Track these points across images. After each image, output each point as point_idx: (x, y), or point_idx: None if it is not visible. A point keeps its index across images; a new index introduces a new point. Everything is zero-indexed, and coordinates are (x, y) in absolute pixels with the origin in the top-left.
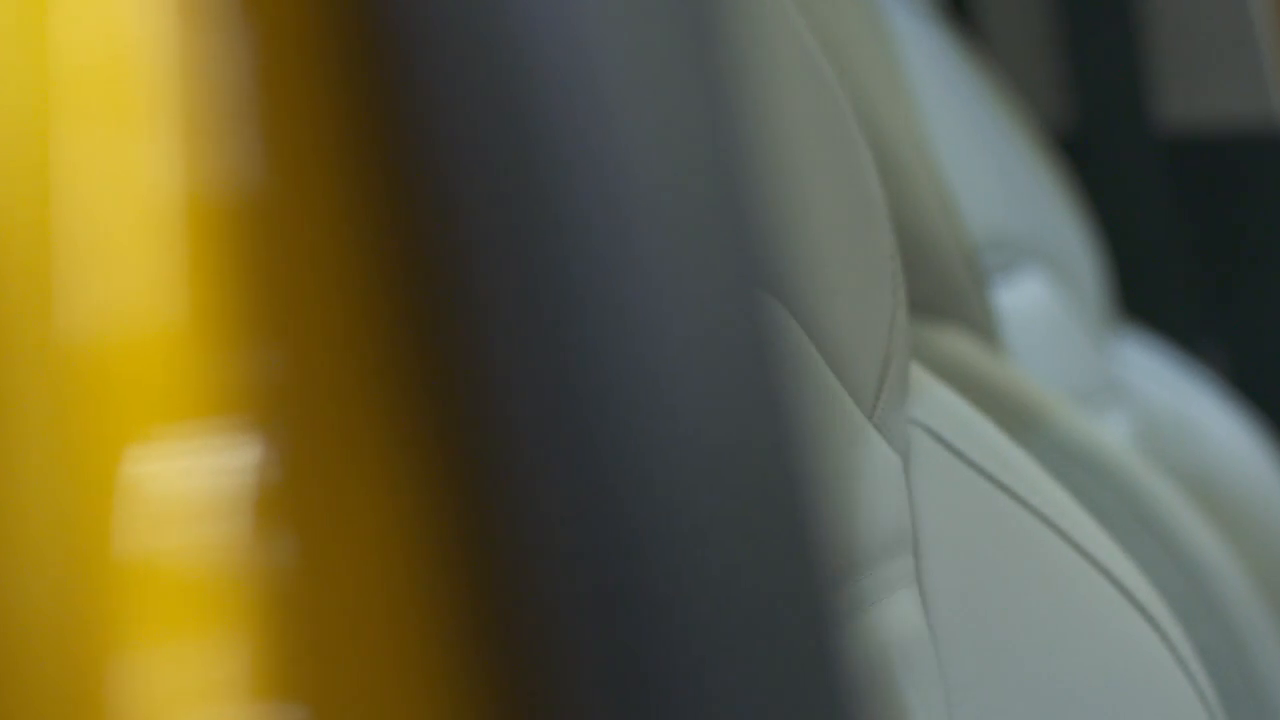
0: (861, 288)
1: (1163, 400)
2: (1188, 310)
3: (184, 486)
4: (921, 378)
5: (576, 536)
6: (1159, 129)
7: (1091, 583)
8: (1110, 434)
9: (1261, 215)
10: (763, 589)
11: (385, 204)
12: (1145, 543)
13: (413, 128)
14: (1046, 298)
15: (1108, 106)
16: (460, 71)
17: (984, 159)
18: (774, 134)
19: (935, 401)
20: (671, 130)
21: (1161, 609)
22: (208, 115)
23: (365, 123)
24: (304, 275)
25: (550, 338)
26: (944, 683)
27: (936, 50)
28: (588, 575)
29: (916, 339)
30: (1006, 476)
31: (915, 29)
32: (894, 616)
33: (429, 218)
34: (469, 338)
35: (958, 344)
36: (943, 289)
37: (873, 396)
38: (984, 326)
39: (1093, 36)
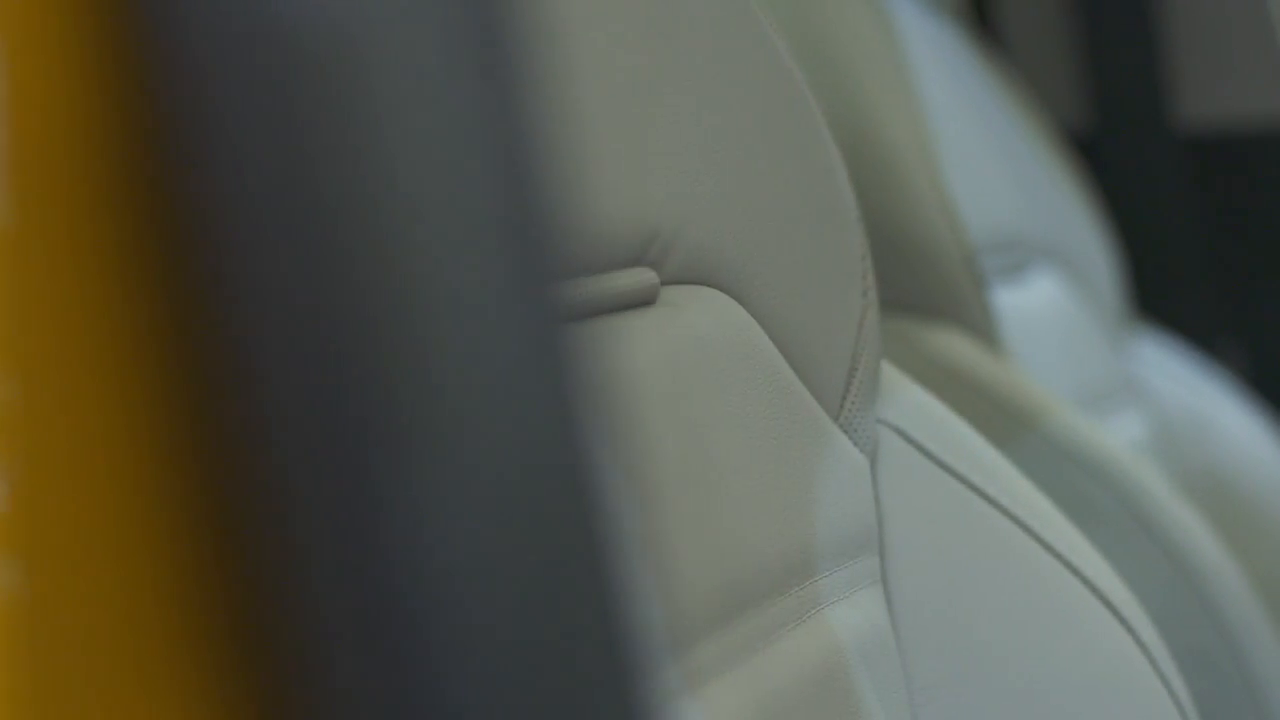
0: (828, 289)
1: (1179, 399)
2: (1204, 309)
3: None
4: (894, 378)
5: (338, 579)
6: (1176, 128)
7: (1064, 585)
8: (1112, 433)
9: (1279, 214)
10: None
11: (134, 228)
12: (1142, 542)
13: (164, 145)
14: (1062, 297)
15: (1125, 105)
16: (219, 91)
17: (998, 159)
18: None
19: (908, 402)
20: (457, 152)
21: (1137, 612)
22: None
23: (113, 138)
24: (41, 304)
25: (314, 365)
26: (909, 683)
27: (950, 51)
28: (352, 624)
29: (912, 338)
30: (978, 478)
31: (928, 29)
32: (856, 615)
33: (182, 241)
34: (223, 363)
35: (954, 344)
36: (941, 290)
37: (839, 397)
38: (982, 327)
39: (1110, 36)
